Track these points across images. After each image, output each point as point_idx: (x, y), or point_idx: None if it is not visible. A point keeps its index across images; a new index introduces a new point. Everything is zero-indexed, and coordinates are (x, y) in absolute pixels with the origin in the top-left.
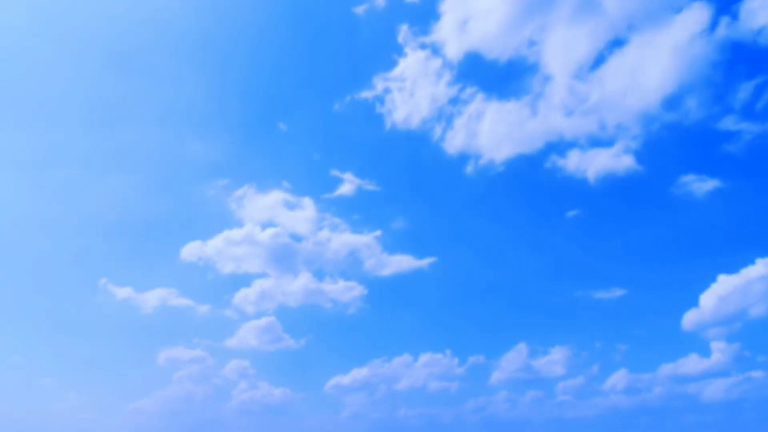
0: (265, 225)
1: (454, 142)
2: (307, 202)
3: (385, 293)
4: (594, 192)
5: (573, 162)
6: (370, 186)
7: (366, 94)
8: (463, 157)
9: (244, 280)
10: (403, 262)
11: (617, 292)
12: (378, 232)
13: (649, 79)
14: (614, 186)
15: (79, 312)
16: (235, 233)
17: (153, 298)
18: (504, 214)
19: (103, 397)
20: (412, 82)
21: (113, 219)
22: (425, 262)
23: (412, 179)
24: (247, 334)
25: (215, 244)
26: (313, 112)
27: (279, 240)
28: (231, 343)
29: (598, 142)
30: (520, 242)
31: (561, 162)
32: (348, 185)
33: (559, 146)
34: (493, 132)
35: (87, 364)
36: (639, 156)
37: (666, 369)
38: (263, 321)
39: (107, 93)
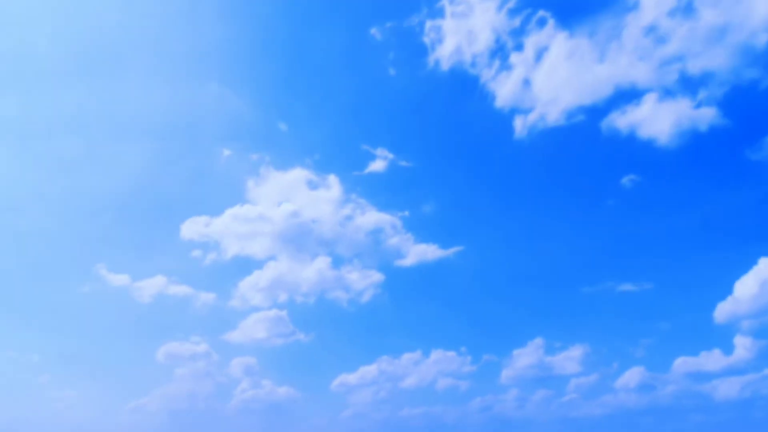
0: (282, 204)
1: (505, 89)
2: (333, 180)
3: (404, 284)
4: (659, 155)
5: (639, 119)
6: (403, 162)
7: (410, 22)
8: (513, 111)
9: (252, 264)
10: (427, 252)
11: (645, 285)
12: (405, 214)
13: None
14: (682, 150)
15: (74, 303)
16: (245, 210)
17: (151, 286)
18: (548, 185)
19: (100, 395)
20: (468, 6)
21: (112, 194)
22: (451, 251)
23: (451, 144)
24: (253, 327)
25: (222, 222)
26: (345, 44)
27: (295, 221)
28: (234, 337)
29: (672, 94)
30: (557, 224)
31: (625, 119)
32: (380, 162)
33: (627, 97)
34: (553, 75)
35: (84, 360)
36: (718, 115)
37: (684, 366)
38: (272, 313)
39: (106, 39)
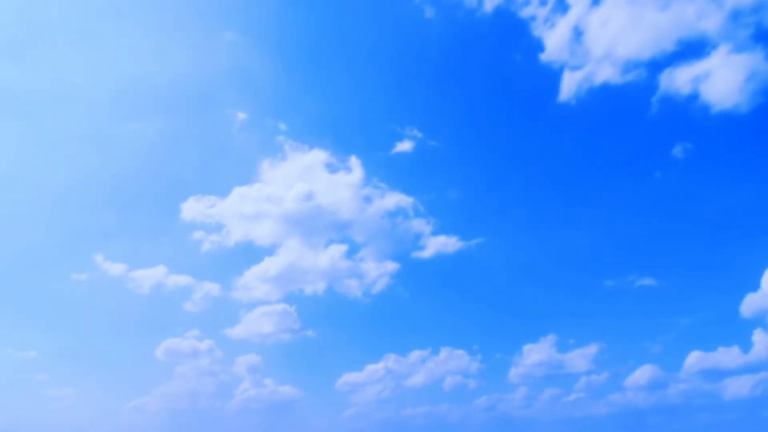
0: (297, 186)
1: (555, 38)
2: (354, 162)
3: (419, 278)
4: (723, 121)
5: (703, 78)
6: (432, 142)
7: None
8: (561, 67)
9: (259, 252)
10: (447, 244)
11: (671, 277)
12: (428, 200)
13: None
14: (752, 116)
15: (71, 296)
16: (256, 190)
17: (150, 276)
18: (588, 160)
19: (99, 393)
20: None
21: (110, 172)
22: (472, 242)
23: (488, 113)
24: (257, 322)
25: (229, 203)
26: None
27: (309, 205)
28: (237, 333)
29: (745, 49)
30: (590, 209)
31: (687, 76)
32: (407, 143)
33: (692, 51)
34: (608, 23)
35: (82, 357)
36: None
37: (698, 364)
38: (279, 307)
39: None
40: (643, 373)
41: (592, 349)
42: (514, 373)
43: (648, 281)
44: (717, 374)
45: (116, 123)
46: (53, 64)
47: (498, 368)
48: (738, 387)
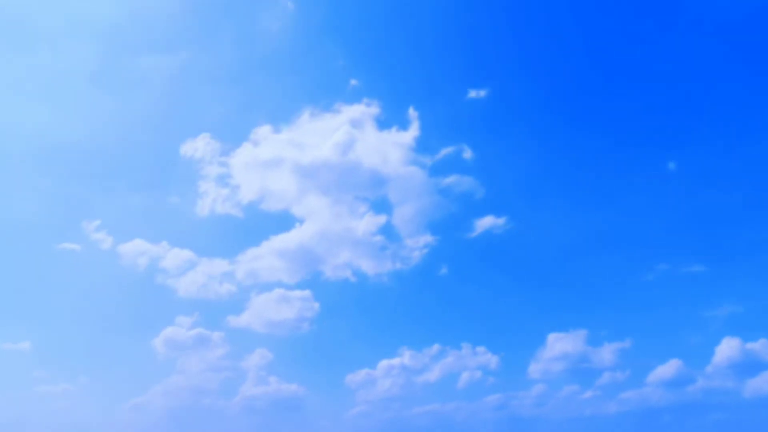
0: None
1: None
2: (412, 114)
3: (459, 258)
4: None
5: None
6: (504, 101)
7: None
8: None
9: (278, 221)
10: (494, 224)
11: (720, 263)
12: (481, 174)
13: None
14: None
15: (61, 280)
16: (264, 151)
17: (146, 252)
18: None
19: (97, 389)
20: None
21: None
22: (519, 223)
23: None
24: (267, 308)
25: (243, 156)
26: None
27: (343, 166)
28: (244, 322)
29: None
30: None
31: None
32: (474, 92)
33: None
34: None
35: (79, 354)
36: None
37: (730, 357)
38: (296, 294)
39: None
40: (667, 369)
41: (622, 343)
42: (535, 368)
43: (697, 267)
44: (750, 367)
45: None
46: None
47: (518, 363)
48: (761, 384)
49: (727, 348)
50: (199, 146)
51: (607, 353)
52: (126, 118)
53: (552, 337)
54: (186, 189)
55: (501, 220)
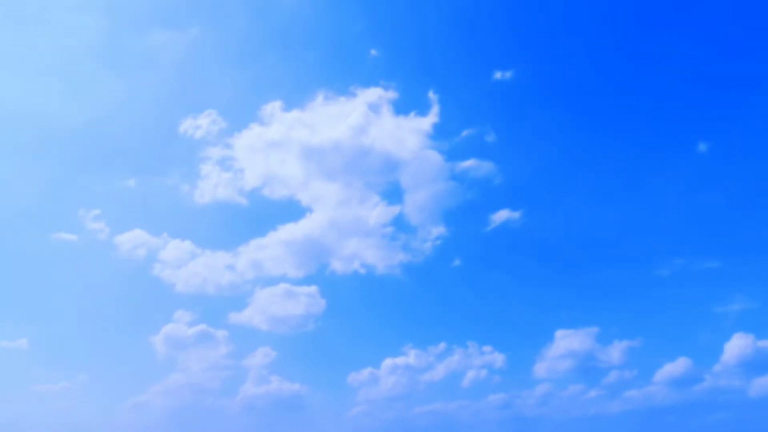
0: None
1: None
2: (432, 98)
3: (472, 251)
4: None
5: None
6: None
7: None
8: None
9: (283, 210)
10: (510, 217)
11: (734, 259)
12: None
13: None
14: None
15: (56, 272)
16: (272, 133)
17: (144, 244)
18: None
19: (97, 389)
20: None
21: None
22: (535, 218)
23: None
24: (271, 305)
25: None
26: None
27: (354, 149)
28: (246, 319)
29: None
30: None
31: None
32: (500, 74)
33: None
34: None
35: (77, 351)
36: None
37: (740, 355)
38: (303, 289)
39: None
40: (675, 368)
41: (632, 342)
42: (541, 367)
43: (714, 263)
44: (761, 365)
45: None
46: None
47: (525, 362)
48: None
49: (738, 345)
50: (203, 124)
51: (615, 351)
52: (132, 98)
53: (559, 333)
54: (187, 172)
55: (517, 214)
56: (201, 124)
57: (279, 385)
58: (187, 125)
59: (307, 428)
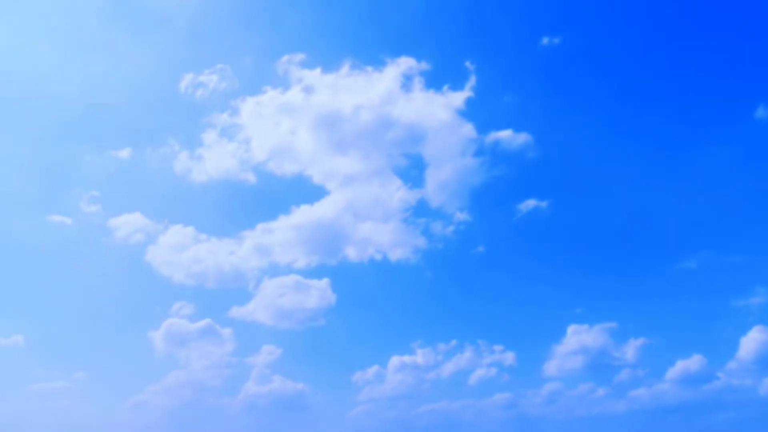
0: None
1: None
2: (469, 67)
3: (501, 238)
4: None
5: None
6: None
7: None
8: None
9: (293, 188)
10: (537, 206)
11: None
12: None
13: None
14: None
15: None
16: (288, 97)
17: (141, 228)
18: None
19: (96, 388)
20: None
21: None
22: (561, 206)
23: None
24: (278, 298)
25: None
26: None
27: (376, 119)
28: (250, 313)
29: None
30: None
31: None
32: (547, 40)
33: None
34: None
35: (75, 347)
36: None
37: (753, 352)
38: (315, 283)
39: None
40: (688, 365)
41: (649, 339)
42: (553, 364)
43: (739, 257)
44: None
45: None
46: None
47: (536, 359)
48: None
49: (755, 339)
50: (210, 81)
51: (630, 348)
52: (138, 61)
53: (572, 329)
54: (188, 140)
55: (545, 203)
56: (207, 81)
57: (282, 385)
58: (188, 82)
59: (308, 428)
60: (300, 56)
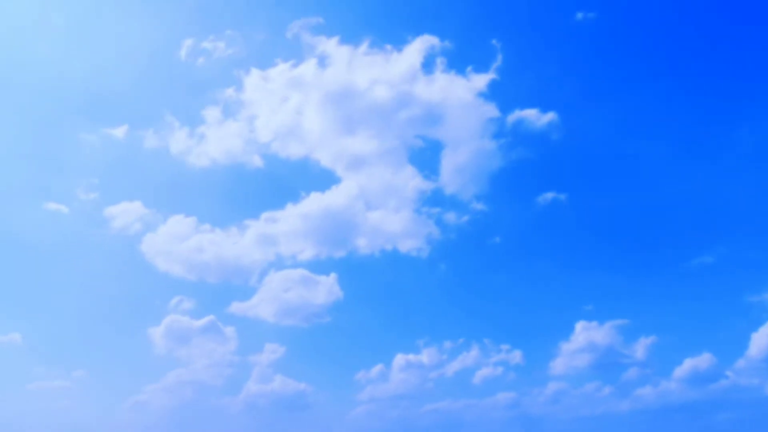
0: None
1: None
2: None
3: (518, 228)
4: None
5: None
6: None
7: None
8: None
9: (300, 174)
10: (556, 198)
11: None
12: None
13: None
14: None
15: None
16: (300, 71)
17: (139, 217)
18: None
19: (96, 386)
20: None
21: None
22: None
23: None
24: (282, 293)
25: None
26: None
27: (391, 99)
28: (249, 309)
29: None
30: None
31: None
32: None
33: None
34: None
35: (73, 345)
36: None
37: (764, 349)
38: (322, 279)
39: None
40: (696, 363)
41: (659, 337)
42: (560, 363)
43: (755, 253)
44: None
45: None
46: None
47: (543, 358)
48: None
49: (767, 335)
50: (215, 48)
51: (640, 346)
52: (134, 24)
53: (580, 325)
54: (188, 118)
55: (563, 196)
56: (211, 48)
57: (283, 384)
58: (189, 48)
59: (309, 428)
60: (317, 20)
